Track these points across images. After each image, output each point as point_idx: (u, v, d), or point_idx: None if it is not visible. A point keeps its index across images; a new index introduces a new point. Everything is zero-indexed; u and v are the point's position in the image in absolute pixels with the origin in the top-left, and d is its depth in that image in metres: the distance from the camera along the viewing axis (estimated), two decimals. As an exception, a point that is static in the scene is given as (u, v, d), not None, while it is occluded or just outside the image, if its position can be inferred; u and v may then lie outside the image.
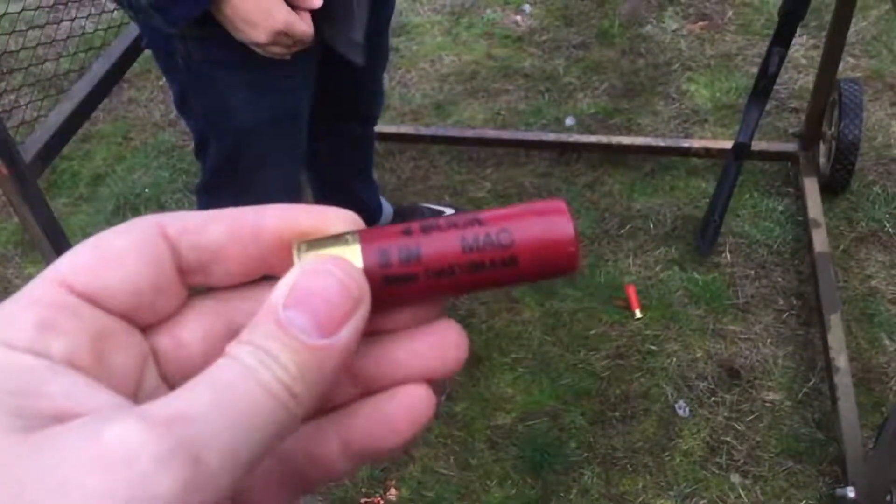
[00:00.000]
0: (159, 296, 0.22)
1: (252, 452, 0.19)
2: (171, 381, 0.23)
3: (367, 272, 0.22)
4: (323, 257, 0.21)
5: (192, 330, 0.23)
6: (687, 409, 1.52)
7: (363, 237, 0.22)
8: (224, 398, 0.19)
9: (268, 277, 0.23)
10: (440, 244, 0.22)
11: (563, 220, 0.22)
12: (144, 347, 0.22)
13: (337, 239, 0.22)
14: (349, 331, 0.20)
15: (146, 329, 0.22)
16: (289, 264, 0.22)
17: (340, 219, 0.23)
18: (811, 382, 1.55)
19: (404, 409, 0.23)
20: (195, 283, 0.23)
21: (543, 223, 0.22)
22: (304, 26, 1.03)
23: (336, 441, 0.23)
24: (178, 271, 0.22)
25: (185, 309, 0.23)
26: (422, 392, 0.23)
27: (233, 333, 0.23)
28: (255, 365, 0.19)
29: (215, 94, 1.16)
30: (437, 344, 0.23)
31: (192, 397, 0.19)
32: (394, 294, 0.22)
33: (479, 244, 0.22)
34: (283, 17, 1.01)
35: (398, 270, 0.22)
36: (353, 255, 0.22)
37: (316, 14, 1.05)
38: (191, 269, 0.22)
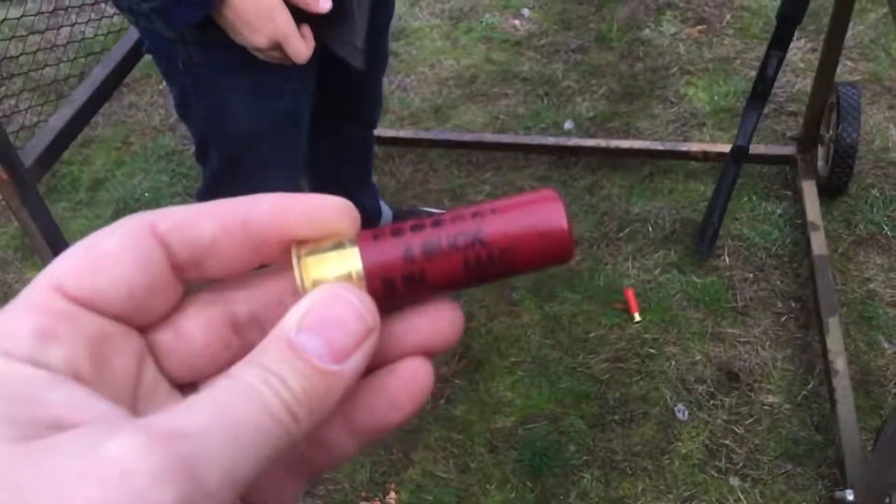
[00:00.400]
0: (154, 295, 0.22)
1: (249, 472, 0.19)
2: (174, 376, 0.23)
3: (372, 294, 0.22)
4: (337, 284, 0.22)
5: (192, 322, 0.23)
6: (686, 413, 1.52)
7: (365, 256, 0.22)
8: (226, 417, 0.19)
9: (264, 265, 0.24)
10: (444, 268, 0.22)
11: (560, 223, 0.22)
12: (141, 346, 0.22)
13: (337, 247, 0.22)
14: (358, 359, 0.21)
15: (145, 325, 0.22)
16: (282, 255, 0.23)
17: (332, 210, 0.23)
18: (810, 385, 1.55)
19: (405, 383, 0.23)
20: (190, 277, 0.23)
21: (542, 231, 0.22)
22: (298, 43, 1.03)
23: (339, 422, 0.23)
24: (172, 268, 0.22)
25: (183, 302, 0.23)
26: (421, 365, 0.23)
27: (233, 322, 0.23)
28: (259, 386, 0.19)
29: (216, 97, 1.16)
30: (434, 318, 0.24)
31: (193, 414, 0.19)
32: (394, 306, 0.23)
33: (482, 264, 0.22)
34: (284, 25, 1.01)
35: (402, 292, 0.22)
36: (353, 263, 0.22)
37: (316, 18, 1.06)
38: (184, 265, 0.22)
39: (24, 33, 1.91)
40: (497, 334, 1.66)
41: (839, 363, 1.46)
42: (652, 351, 1.62)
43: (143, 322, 0.22)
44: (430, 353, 0.24)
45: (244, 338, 0.23)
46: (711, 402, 1.54)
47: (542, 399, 1.56)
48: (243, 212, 0.22)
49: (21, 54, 1.90)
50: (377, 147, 1.87)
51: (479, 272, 0.22)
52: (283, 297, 0.23)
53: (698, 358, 1.60)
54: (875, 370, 1.57)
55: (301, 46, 1.04)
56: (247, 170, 1.25)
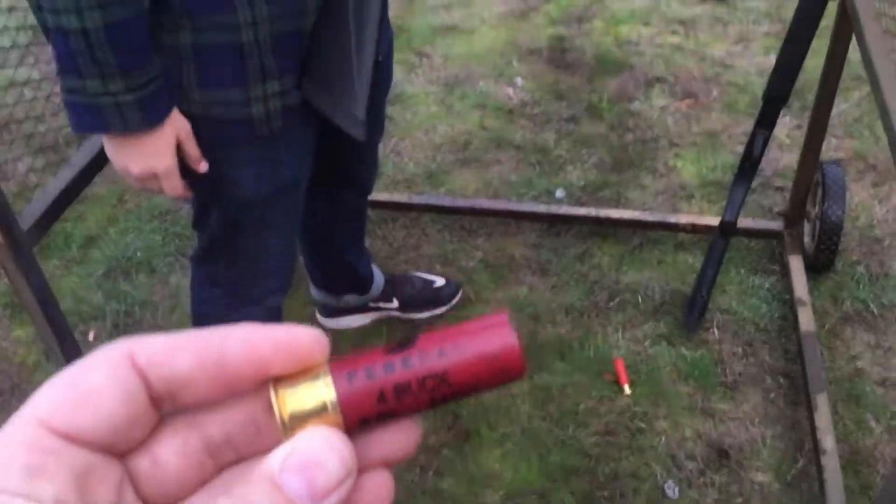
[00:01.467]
0: (135, 426, 0.23)
1: None
2: (151, 500, 0.24)
3: (348, 430, 0.24)
4: (321, 428, 0.23)
5: (167, 448, 0.24)
6: (676, 490, 1.51)
7: (341, 396, 0.24)
8: None
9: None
10: (413, 404, 0.25)
11: (514, 351, 0.25)
12: (121, 473, 0.23)
13: (312, 379, 0.24)
14: (336, 498, 0.22)
15: (125, 452, 0.24)
16: (255, 388, 0.24)
17: (304, 342, 0.24)
18: (799, 464, 1.55)
19: (369, 497, 0.24)
20: (165, 408, 0.24)
21: (499, 361, 0.25)
22: (177, 182, 1.09)
23: None
24: (150, 399, 0.23)
25: (159, 425, 0.24)
26: (385, 478, 0.25)
27: (207, 444, 0.24)
28: None
29: (219, 168, 1.18)
30: (393, 432, 0.25)
31: None
32: (363, 432, 0.25)
33: (446, 397, 0.25)
34: (168, 164, 1.07)
35: (374, 425, 0.25)
36: (328, 394, 0.24)
37: (315, 82, 1.09)
38: (161, 397, 0.23)
39: (29, 97, 1.93)
40: (486, 405, 1.65)
41: (827, 442, 1.46)
42: (642, 425, 1.61)
43: (122, 450, 0.23)
44: (389, 464, 0.25)
45: (218, 458, 0.25)
46: (701, 479, 1.53)
47: (531, 473, 1.55)
48: (218, 347, 0.23)
49: (26, 119, 1.92)
50: (370, 211, 1.89)
51: (442, 402, 0.25)
52: (257, 417, 0.25)
53: (688, 434, 1.60)
54: (863, 450, 1.57)
55: (178, 185, 1.10)
56: (246, 233, 1.26)
